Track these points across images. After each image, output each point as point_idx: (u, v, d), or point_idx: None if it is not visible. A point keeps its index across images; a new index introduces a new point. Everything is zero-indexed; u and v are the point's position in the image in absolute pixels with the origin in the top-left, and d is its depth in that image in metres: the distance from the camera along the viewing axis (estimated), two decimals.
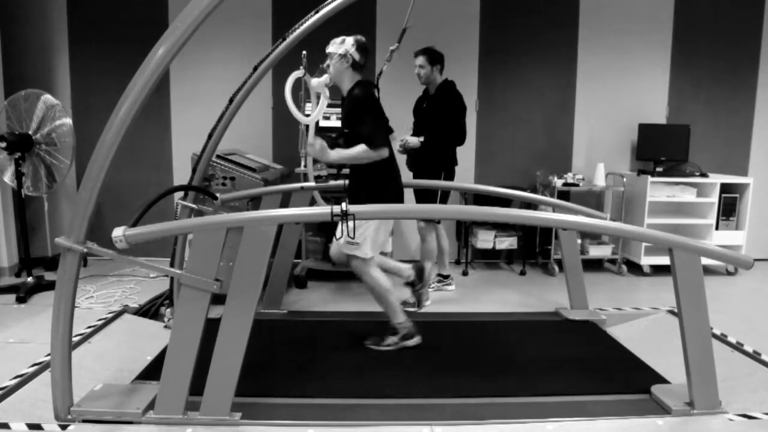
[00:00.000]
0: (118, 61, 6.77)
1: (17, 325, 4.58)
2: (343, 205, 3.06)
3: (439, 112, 5.36)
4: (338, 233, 4.11)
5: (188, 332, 2.98)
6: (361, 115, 4.00)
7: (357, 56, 4.08)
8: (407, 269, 4.47)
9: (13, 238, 6.28)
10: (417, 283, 4.48)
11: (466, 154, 7.16)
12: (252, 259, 3.02)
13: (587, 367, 3.95)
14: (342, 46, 4.09)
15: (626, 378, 3.76)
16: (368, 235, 4.06)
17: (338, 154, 4.01)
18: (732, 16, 7.15)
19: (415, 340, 4.27)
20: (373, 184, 4.12)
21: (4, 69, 6.16)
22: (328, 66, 4.13)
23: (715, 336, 4.11)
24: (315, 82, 4.12)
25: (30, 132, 5.54)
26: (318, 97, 4.19)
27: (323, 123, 5.93)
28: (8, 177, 5.67)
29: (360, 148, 3.94)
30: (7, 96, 5.81)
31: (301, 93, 5.86)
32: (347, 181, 4.35)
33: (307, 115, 4.23)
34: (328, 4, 3.91)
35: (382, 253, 4.51)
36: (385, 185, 4.18)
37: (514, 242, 6.86)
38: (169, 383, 3.01)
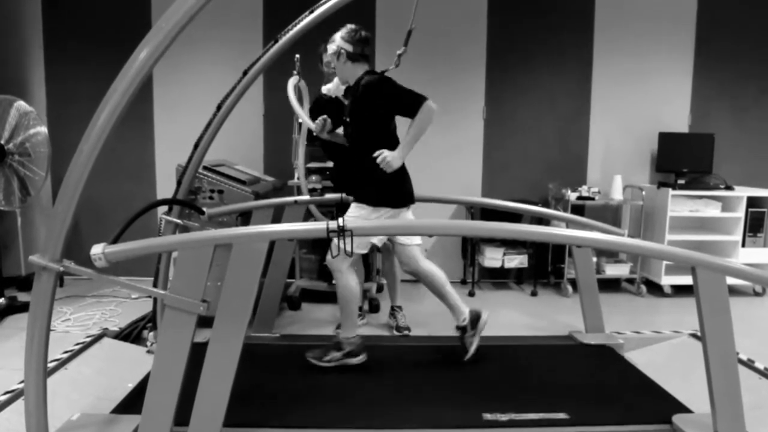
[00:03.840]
0: (97, 65, 6.80)
1: None
2: (340, 220, 3.06)
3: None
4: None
5: (173, 358, 2.97)
6: (386, 94, 4.12)
7: (349, 47, 4.22)
8: (465, 312, 4.45)
9: None
10: (468, 330, 4.42)
11: (472, 166, 7.19)
12: (242, 279, 3.02)
13: (604, 395, 3.95)
14: (333, 44, 4.27)
15: (646, 407, 3.76)
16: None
17: (404, 147, 4.12)
18: (759, 16, 7.19)
19: (360, 359, 4.30)
20: (381, 182, 4.19)
21: None
22: (334, 68, 4.28)
23: (741, 361, 4.11)
24: (324, 89, 4.28)
25: (2, 141, 5.55)
26: (318, 103, 4.30)
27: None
28: None
29: (416, 119, 4.04)
30: None
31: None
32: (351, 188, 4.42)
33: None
34: (323, 3, 3.94)
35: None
36: (394, 183, 4.26)
37: (524, 260, 6.87)
38: (152, 413, 3.00)
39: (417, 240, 4.54)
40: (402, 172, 4.30)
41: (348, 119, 4.34)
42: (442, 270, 4.55)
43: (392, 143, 4.20)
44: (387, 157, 4.05)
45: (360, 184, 4.34)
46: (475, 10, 7.06)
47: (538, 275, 7.06)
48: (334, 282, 4.37)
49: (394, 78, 4.24)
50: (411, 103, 4.05)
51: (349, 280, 4.27)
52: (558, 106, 7.24)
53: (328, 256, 4.29)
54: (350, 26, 4.28)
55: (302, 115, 4.27)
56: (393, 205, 4.27)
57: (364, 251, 4.46)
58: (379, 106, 4.15)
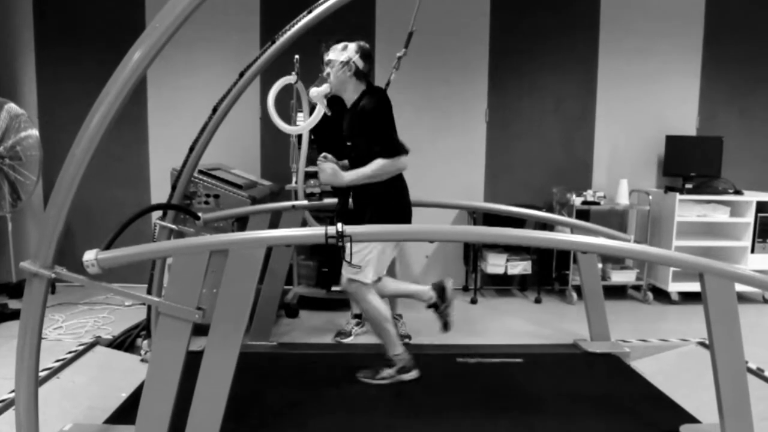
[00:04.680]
0: (90, 66, 6.80)
1: None
2: (339, 225, 3.06)
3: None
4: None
5: (167, 366, 2.97)
6: (373, 125, 4.07)
7: (360, 64, 4.16)
8: (427, 291, 4.45)
9: None
10: (440, 304, 4.43)
11: (474, 170, 7.18)
12: (238, 286, 3.02)
13: (609, 405, 3.95)
14: (344, 52, 4.17)
15: (653, 417, 3.76)
16: (371, 259, 4.11)
17: (354, 174, 4.06)
18: None
19: (413, 374, 4.31)
20: (380, 201, 4.16)
21: None
22: (328, 74, 4.19)
23: (750, 370, 4.11)
24: (315, 92, 4.16)
25: None
26: (313, 107, 4.24)
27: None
28: None
29: (377, 163, 4.01)
30: None
31: (293, 102, 5.88)
32: (351, 200, 4.38)
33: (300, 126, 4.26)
34: (322, 3, 3.94)
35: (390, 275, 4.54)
36: (394, 203, 4.23)
37: (527, 267, 6.87)
38: (146, 423, 3.00)
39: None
40: (402, 195, 4.28)
41: (347, 140, 4.30)
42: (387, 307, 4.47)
43: None
44: (327, 171, 4.06)
45: (359, 206, 4.31)
46: (477, 9, 7.07)
47: (542, 282, 7.05)
48: (355, 301, 4.36)
49: (397, 81, 4.24)
50: (383, 148, 4.02)
51: (375, 304, 4.23)
52: (562, 108, 7.24)
53: (351, 286, 4.26)
54: (364, 43, 4.25)
55: (274, 115, 4.22)
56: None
57: (381, 275, 4.42)
58: (367, 132, 4.12)
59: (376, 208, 4.15)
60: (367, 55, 4.20)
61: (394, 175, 4.09)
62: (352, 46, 4.17)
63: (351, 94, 4.22)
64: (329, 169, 4.05)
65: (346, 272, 4.15)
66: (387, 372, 4.29)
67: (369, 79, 4.28)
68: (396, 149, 4.04)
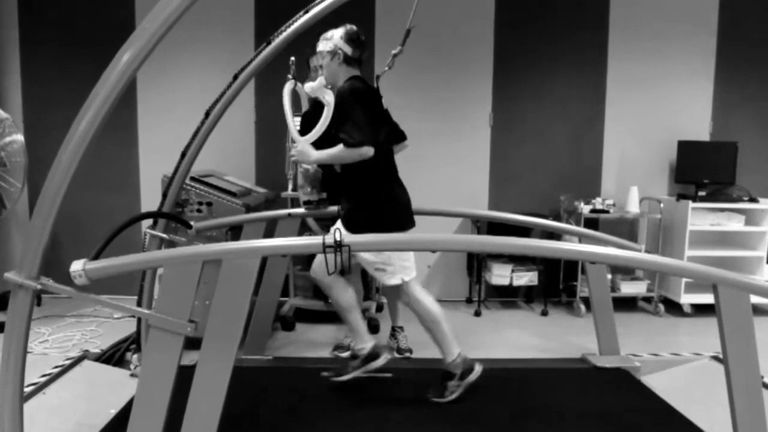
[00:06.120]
0: (77, 68, 6.81)
1: None
2: (337, 234, 3.05)
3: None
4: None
5: (158, 381, 2.97)
6: (343, 110, 4.04)
7: (348, 49, 4.16)
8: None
9: None
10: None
11: (478, 176, 7.19)
12: (232, 297, 3.02)
13: (619, 422, 3.95)
14: (330, 41, 4.19)
15: None
16: (392, 258, 4.17)
17: (321, 153, 4.10)
18: None
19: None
20: (372, 205, 4.16)
21: None
22: (321, 67, 4.20)
23: (766, 386, 4.10)
24: (309, 86, 4.14)
25: None
26: (315, 105, 4.25)
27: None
28: None
29: (338, 148, 4.02)
30: None
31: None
32: (340, 207, 4.38)
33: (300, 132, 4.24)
34: (319, 3, 3.94)
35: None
36: (387, 206, 4.23)
37: (534, 278, 6.87)
38: None
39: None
40: (394, 191, 4.27)
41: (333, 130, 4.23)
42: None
43: (373, 165, 4.09)
44: (299, 146, 4.12)
45: (347, 206, 4.30)
46: (481, 8, 7.08)
47: (549, 293, 7.06)
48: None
49: (390, 80, 4.22)
50: (347, 135, 3.98)
51: (424, 300, 4.25)
52: (570, 112, 7.25)
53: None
54: (351, 27, 4.22)
55: (293, 130, 4.23)
56: (385, 231, 4.14)
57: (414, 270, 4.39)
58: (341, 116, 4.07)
59: (366, 211, 4.16)
60: (355, 39, 4.21)
61: (356, 161, 4.03)
62: (337, 33, 4.19)
63: (342, 82, 4.22)
64: (299, 145, 4.10)
65: (386, 281, 4.22)
66: (452, 384, 4.21)
67: (361, 65, 4.31)
68: (355, 138, 3.98)
